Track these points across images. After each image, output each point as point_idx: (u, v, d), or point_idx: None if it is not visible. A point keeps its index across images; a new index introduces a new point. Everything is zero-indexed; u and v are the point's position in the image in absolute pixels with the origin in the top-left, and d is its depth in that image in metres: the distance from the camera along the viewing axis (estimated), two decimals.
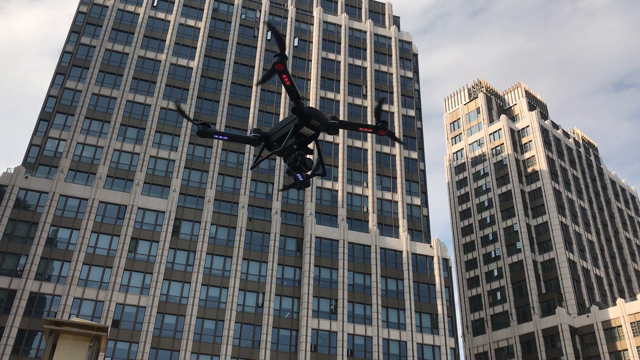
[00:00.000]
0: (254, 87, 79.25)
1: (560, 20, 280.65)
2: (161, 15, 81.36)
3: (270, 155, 11.46)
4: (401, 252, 71.57)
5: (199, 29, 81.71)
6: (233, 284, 64.00)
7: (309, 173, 11.17)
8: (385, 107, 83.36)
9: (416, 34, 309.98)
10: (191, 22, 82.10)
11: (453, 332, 68.36)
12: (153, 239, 64.39)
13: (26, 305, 57.32)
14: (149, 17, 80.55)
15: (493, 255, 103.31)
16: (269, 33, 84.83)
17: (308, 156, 10.99)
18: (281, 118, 77.74)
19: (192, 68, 78.04)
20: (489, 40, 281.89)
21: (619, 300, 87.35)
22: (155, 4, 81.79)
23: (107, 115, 71.42)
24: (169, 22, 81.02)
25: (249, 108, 77.61)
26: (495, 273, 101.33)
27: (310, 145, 11.41)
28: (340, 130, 10.98)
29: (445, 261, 72.79)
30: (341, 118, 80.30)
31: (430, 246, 73.03)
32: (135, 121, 72.04)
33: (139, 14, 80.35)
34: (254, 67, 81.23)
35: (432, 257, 72.19)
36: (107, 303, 59.07)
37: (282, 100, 79.36)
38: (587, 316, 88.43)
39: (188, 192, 69.25)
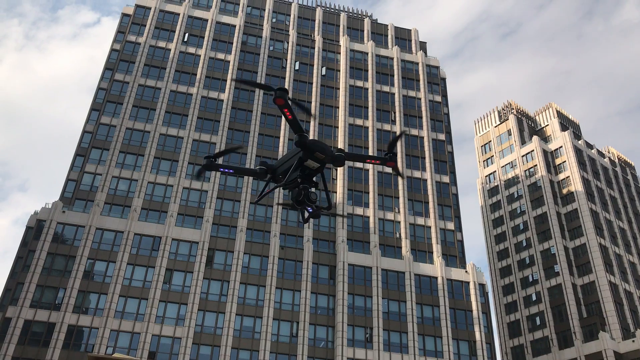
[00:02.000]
0: (283, 118, 79.98)
1: (594, 38, 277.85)
2: (192, 49, 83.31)
3: (275, 189, 11.27)
4: (436, 278, 70.55)
5: (229, 61, 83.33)
6: (267, 314, 63.84)
7: (315, 207, 10.89)
8: (414, 131, 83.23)
9: (447, 58, 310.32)
10: (221, 56, 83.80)
11: (492, 359, 66.71)
12: (187, 269, 64.90)
13: (65, 338, 58.08)
14: (179, 52, 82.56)
15: (531, 279, 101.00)
16: (297, 63, 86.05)
17: (312, 190, 10.77)
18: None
19: (222, 100, 79.42)
20: (520, 61, 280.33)
21: None
22: (185, 39, 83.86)
23: (140, 149, 72.93)
24: (199, 56, 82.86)
25: (279, 137, 78.36)
26: (534, 297, 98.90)
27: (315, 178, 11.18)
28: None
29: (482, 286, 71.42)
30: (370, 144, 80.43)
31: (466, 271, 71.84)
32: (168, 154, 73.37)
33: (170, 50, 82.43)
34: None
35: (468, 283, 70.94)
36: (143, 335, 59.47)
37: (312, 128, 79.97)
38: (633, 341, 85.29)
39: (221, 222, 69.83)
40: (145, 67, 79.89)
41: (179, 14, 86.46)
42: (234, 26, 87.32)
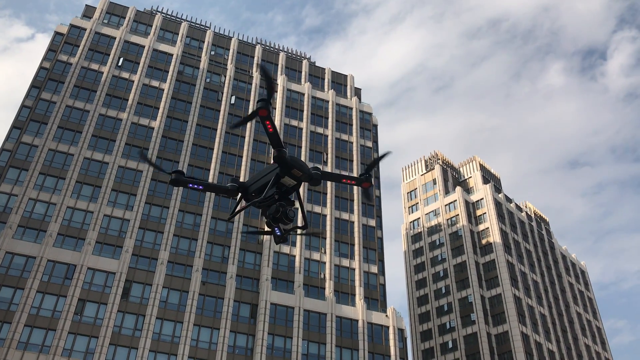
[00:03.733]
0: (215, 149, 79.26)
1: (520, 99, 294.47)
2: (125, 75, 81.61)
3: (249, 206, 10.78)
4: (357, 321, 70.68)
5: (163, 90, 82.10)
6: (182, 351, 61.60)
7: (288, 227, 10.63)
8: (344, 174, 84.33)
9: (382, 106, 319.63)
10: (155, 83, 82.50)
11: None
12: (101, 300, 61.94)
13: None
14: (112, 76, 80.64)
15: (448, 327, 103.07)
16: (233, 97, 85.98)
17: (289, 208, 10.41)
18: (241, 180, 77.54)
19: (153, 128, 77.81)
20: (451, 114, 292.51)
21: None
22: (120, 64, 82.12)
23: (62, 172, 69.91)
24: (133, 82, 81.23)
25: (209, 170, 77.34)
26: (450, 345, 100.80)
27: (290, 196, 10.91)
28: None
29: (401, 331, 72.11)
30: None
31: (387, 315, 72.43)
32: (91, 179, 70.68)
33: (102, 72, 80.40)
34: (216, 129, 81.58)
35: (388, 327, 71.47)
36: None
37: (243, 163, 79.53)
38: None
39: (141, 253, 67.45)
40: (74, 88, 77.39)
41: (115, 38, 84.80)
42: (171, 55, 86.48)
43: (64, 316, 59.16)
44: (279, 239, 10.94)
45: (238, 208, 11.29)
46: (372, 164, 11.17)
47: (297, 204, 10.62)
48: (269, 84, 10.04)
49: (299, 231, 11.34)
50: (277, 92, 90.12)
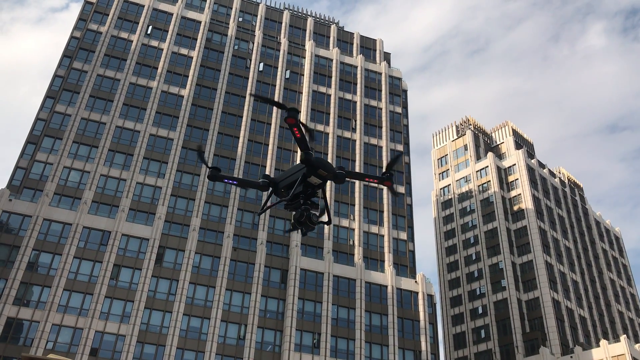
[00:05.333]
0: (244, 117, 79.54)
1: (558, 62, 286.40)
2: (154, 43, 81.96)
3: (278, 203, 11.75)
4: (386, 286, 71.19)
5: (192, 57, 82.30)
6: (215, 315, 63.13)
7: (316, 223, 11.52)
8: (373, 140, 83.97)
9: (416, 71, 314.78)
10: (184, 51, 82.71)
11: None
12: (136, 266, 63.61)
13: (2, 331, 56.04)
14: (142, 45, 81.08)
15: (478, 293, 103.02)
16: (261, 64, 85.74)
17: (313, 212, 11.32)
18: (270, 148, 77.99)
19: (183, 96, 78.35)
20: (486, 79, 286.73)
21: (603, 342, 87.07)
22: (149, 32, 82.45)
23: (95, 140, 71.21)
24: (162, 50, 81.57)
25: (239, 137, 77.79)
26: (480, 311, 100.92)
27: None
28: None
29: (430, 297, 72.45)
30: (330, 150, 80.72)
31: (416, 282, 72.75)
32: (123, 147, 71.86)
33: (132, 41, 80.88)
34: (244, 97, 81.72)
35: (417, 293, 71.84)
36: (86, 330, 57.93)
37: (272, 130, 79.73)
38: (571, 357, 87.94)
39: (173, 219, 68.76)
40: (105, 57, 78.15)
41: (143, 6, 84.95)
42: (199, 22, 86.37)
43: (101, 281, 61.02)
44: (305, 231, 11.75)
45: (268, 204, 12.22)
46: (390, 163, 11.92)
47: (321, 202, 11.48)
48: (309, 134, 11.00)
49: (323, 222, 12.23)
50: (305, 58, 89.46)
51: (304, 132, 10.85)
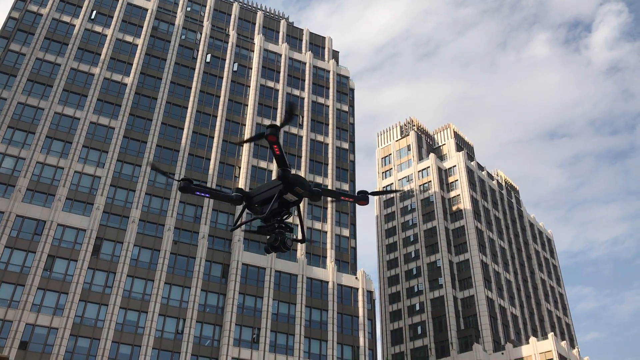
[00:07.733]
0: (190, 108, 78.32)
1: (505, 69, 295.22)
2: (98, 28, 79.55)
3: (252, 220, 11.55)
4: (327, 282, 71.79)
5: (137, 45, 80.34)
6: (153, 309, 62.06)
7: (290, 242, 11.45)
8: (319, 137, 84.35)
9: (367, 71, 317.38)
10: (129, 39, 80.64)
11: None
12: (71, 257, 61.72)
13: None
14: (85, 30, 78.53)
15: (416, 290, 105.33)
16: (209, 56, 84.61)
17: (287, 236, 11.24)
18: (215, 141, 77.12)
19: (126, 84, 76.41)
20: (435, 82, 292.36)
21: (532, 339, 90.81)
22: (92, 17, 79.94)
23: (32, 126, 68.55)
24: (106, 36, 79.27)
25: (183, 129, 76.56)
26: (417, 307, 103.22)
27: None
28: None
29: (370, 294, 73.56)
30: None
31: (356, 278, 73.68)
32: (62, 134, 69.50)
33: (74, 26, 78.21)
34: (191, 88, 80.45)
35: (357, 289, 72.80)
36: (15, 323, 55.79)
37: (217, 123, 78.85)
38: (502, 354, 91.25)
39: (112, 210, 67.08)
40: (45, 40, 75.26)
41: None
42: (146, 9, 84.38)
43: (33, 272, 58.89)
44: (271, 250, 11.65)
45: (240, 221, 12.16)
46: (378, 192, 12.10)
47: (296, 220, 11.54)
48: (288, 118, 10.45)
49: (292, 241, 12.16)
50: (253, 52, 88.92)
51: (281, 148, 10.82)
